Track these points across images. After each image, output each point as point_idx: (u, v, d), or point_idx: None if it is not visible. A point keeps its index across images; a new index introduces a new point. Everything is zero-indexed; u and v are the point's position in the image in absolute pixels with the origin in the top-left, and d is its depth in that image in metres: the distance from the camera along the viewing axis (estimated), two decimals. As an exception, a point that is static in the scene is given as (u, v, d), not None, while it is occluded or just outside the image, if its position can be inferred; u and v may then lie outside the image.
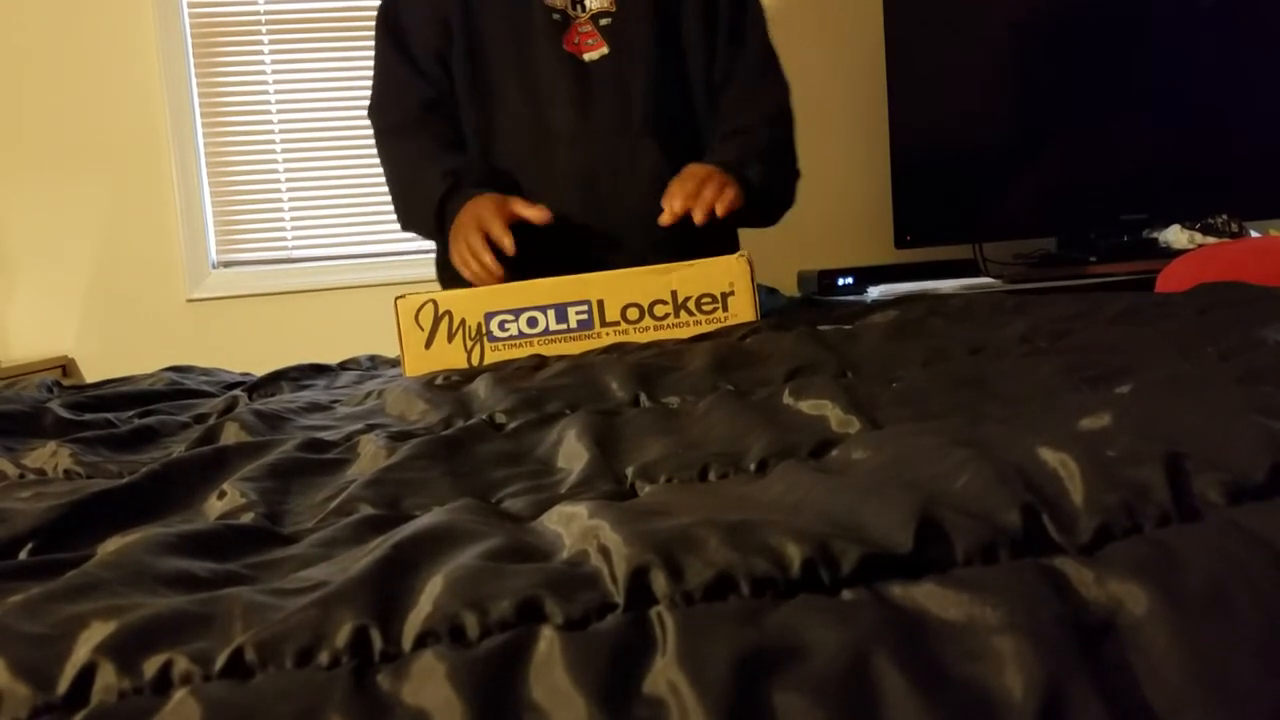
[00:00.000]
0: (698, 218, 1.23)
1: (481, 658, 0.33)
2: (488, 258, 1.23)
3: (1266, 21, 2.31)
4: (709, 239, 1.28)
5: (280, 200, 2.45)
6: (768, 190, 1.40)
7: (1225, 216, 2.13)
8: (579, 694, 0.32)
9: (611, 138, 1.43)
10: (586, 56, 1.44)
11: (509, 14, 1.44)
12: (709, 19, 1.48)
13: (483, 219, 1.26)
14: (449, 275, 1.43)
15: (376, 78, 1.52)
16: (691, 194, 1.25)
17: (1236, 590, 0.34)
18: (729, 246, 1.45)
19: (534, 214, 1.26)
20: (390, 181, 1.49)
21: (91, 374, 2.26)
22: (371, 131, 1.52)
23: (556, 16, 1.43)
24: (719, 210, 1.24)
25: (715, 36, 1.48)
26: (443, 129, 1.46)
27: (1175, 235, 2.14)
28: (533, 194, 1.41)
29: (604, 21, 1.44)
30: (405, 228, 1.50)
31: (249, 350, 2.11)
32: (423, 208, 1.40)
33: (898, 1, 2.28)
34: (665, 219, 1.25)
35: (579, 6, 1.44)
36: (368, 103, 1.52)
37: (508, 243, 1.23)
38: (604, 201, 1.42)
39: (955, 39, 2.33)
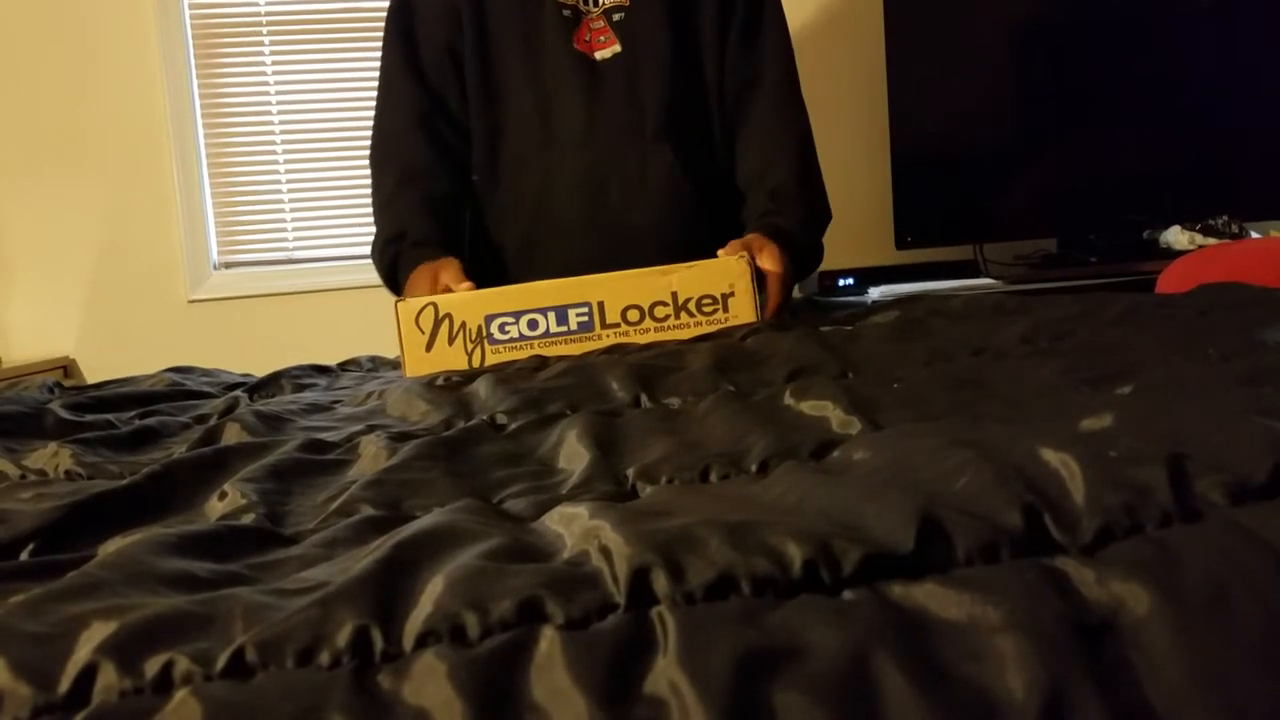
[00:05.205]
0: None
1: (482, 658, 0.33)
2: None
3: (1266, 21, 2.31)
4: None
5: (281, 201, 2.45)
6: (811, 265, 1.43)
7: (1226, 218, 2.13)
8: (580, 694, 0.31)
9: (622, 141, 1.37)
10: (598, 55, 1.37)
11: (519, 8, 1.39)
12: (723, 17, 1.41)
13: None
14: None
15: (379, 81, 1.46)
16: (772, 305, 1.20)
17: (1238, 591, 0.34)
18: None
19: (459, 289, 1.16)
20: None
21: (92, 375, 2.26)
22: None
23: (567, 13, 1.37)
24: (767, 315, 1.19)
25: (729, 36, 1.41)
26: (417, 157, 1.39)
27: (1176, 236, 2.15)
28: (538, 198, 1.39)
29: (617, 17, 1.38)
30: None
31: (250, 351, 2.11)
32: (379, 265, 1.40)
33: (898, 1, 2.28)
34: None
35: (591, 2, 1.38)
36: (373, 102, 1.49)
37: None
38: (613, 208, 1.37)
39: (955, 39, 2.33)
